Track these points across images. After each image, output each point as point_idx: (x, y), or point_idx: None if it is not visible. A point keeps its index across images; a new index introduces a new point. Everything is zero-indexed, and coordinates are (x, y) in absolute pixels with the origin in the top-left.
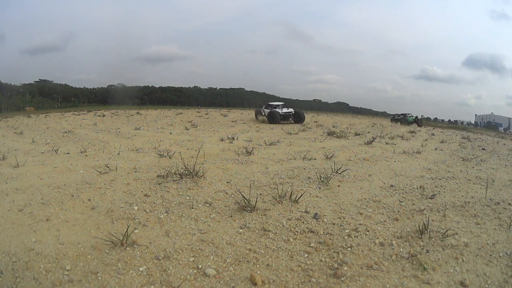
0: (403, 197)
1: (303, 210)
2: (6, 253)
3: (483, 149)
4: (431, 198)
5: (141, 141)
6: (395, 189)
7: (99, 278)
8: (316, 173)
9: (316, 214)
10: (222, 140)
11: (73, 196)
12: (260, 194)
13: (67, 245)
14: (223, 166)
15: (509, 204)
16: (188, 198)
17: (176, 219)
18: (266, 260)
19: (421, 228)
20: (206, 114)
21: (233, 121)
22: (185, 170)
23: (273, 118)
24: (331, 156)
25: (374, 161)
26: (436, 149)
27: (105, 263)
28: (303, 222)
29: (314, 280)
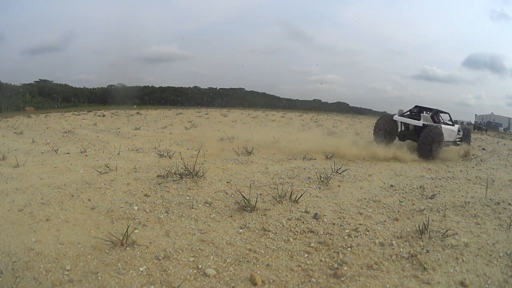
0: (403, 197)
1: (303, 210)
2: (6, 253)
3: (483, 149)
4: (431, 198)
5: (141, 141)
6: (395, 189)
7: (99, 278)
8: (316, 173)
9: (316, 214)
10: (222, 140)
11: (73, 196)
12: (260, 194)
13: (67, 245)
14: (223, 166)
15: (509, 204)
16: (188, 198)
17: (176, 219)
18: (266, 260)
19: (421, 228)
20: (206, 114)
21: (233, 121)
22: (185, 170)
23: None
24: (331, 156)
25: (374, 161)
26: None
27: (105, 263)
28: (303, 222)
29: (314, 280)
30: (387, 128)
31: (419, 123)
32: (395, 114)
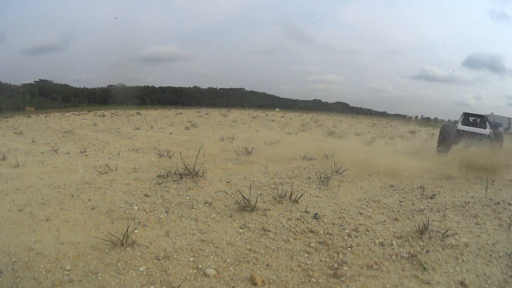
0: (403, 197)
1: (303, 210)
2: (6, 253)
3: None
4: (431, 198)
5: (141, 141)
6: (395, 189)
7: (99, 278)
8: (316, 173)
9: (316, 214)
10: (222, 140)
11: (73, 196)
12: (260, 194)
13: (67, 245)
14: (223, 166)
15: (509, 204)
16: (188, 198)
17: (176, 219)
18: (266, 260)
19: (421, 228)
20: (206, 114)
21: (233, 121)
22: (185, 170)
23: None
24: (331, 156)
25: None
26: None
27: (105, 263)
28: (303, 222)
29: (314, 280)
30: (450, 138)
31: (486, 131)
32: (452, 123)
